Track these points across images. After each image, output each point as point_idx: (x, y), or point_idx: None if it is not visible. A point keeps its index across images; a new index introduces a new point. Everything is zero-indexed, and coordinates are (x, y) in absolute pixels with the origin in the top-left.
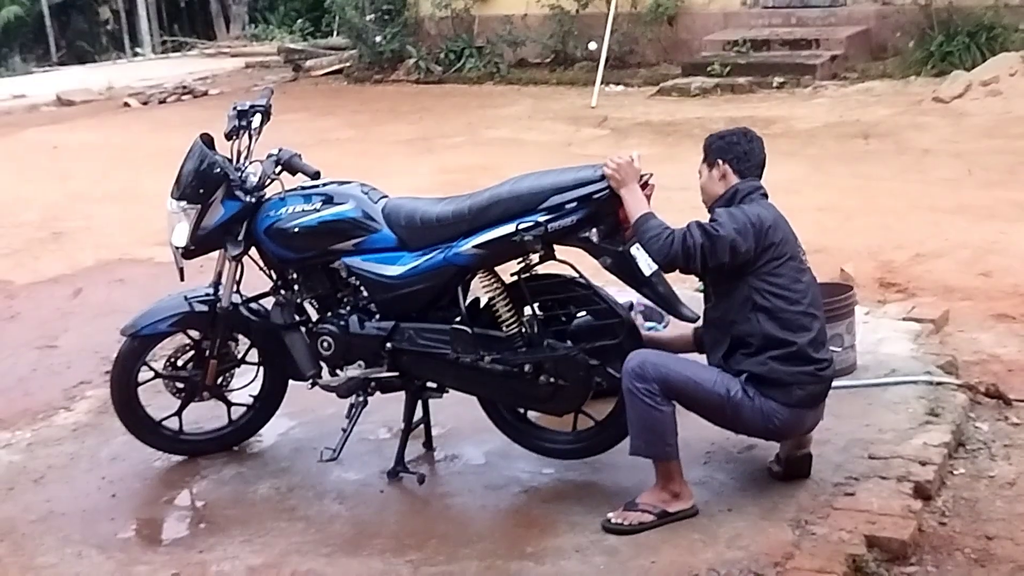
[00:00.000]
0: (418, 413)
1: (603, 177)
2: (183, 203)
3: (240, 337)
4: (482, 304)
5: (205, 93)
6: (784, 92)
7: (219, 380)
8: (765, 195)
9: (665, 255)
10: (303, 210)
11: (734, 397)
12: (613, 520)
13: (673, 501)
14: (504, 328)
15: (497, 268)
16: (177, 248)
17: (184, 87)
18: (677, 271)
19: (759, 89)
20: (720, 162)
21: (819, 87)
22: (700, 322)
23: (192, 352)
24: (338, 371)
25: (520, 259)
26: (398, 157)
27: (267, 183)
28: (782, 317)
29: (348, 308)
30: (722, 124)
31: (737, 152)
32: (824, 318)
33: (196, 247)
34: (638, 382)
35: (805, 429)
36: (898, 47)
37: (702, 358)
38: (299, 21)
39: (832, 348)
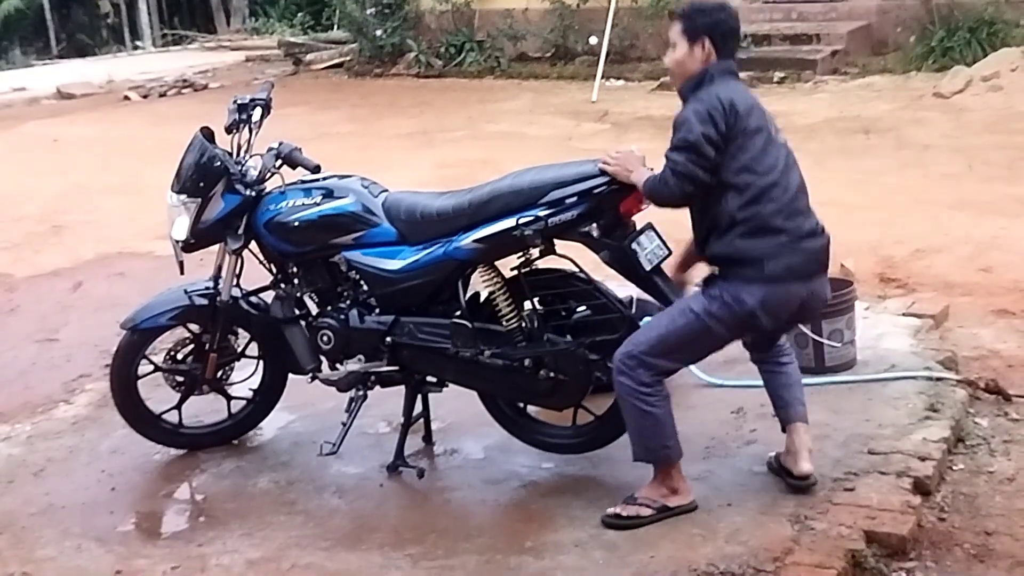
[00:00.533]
0: (418, 407)
1: (603, 172)
2: (183, 197)
3: (240, 331)
4: (482, 298)
5: (205, 87)
6: (785, 87)
7: (219, 374)
8: (735, 74)
9: (674, 197)
10: (303, 204)
11: (705, 310)
12: (612, 514)
13: (672, 496)
14: (504, 323)
15: (497, 262)
16: (177, 242)
17: (184, 80)
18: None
19: (760, 84)
20: (706, 39)
21: (820, 82)
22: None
23: (192, 346)
24: (338, 365)
25: (520, 254)
26: (398, 151)
27: (267, 177)
28: (748, 192)
29: (348, 302)
30: None
31: (724, 29)
32: (805, 190)
33: (196, 241)
34: (624, 379)
35: (799, 306)
36: (899, 42)
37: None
38: (299, 15)
39: (831, 343)
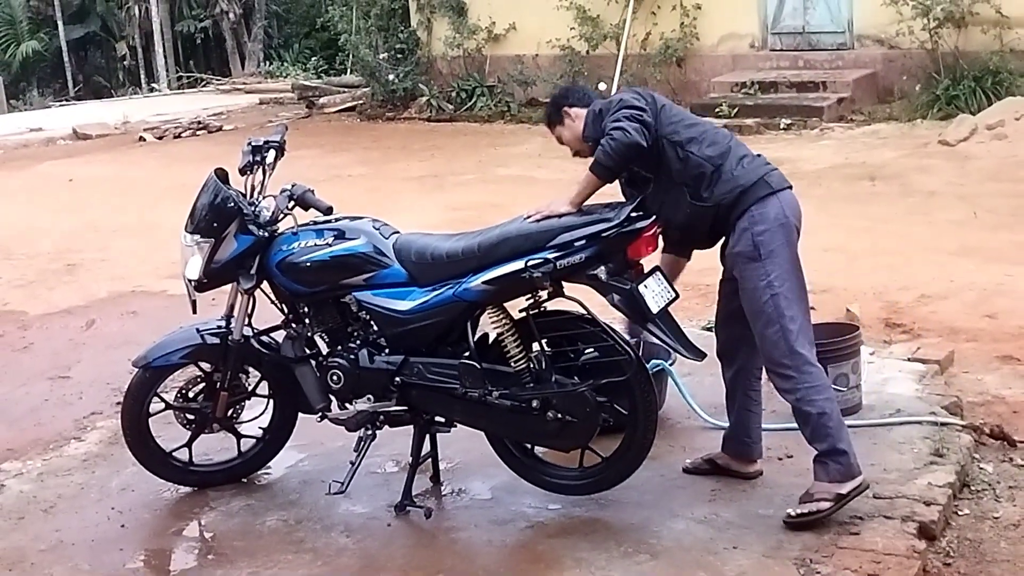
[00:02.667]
0: (426, 447)
1: (612, 216)
2: (197, 236)
3: (251, 370)
4: (491, 340)
5: (219, 129)
6: (791, 134)
7: (229, 412)
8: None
9: (614, 156)
10: (315, 245)
11: (760, 267)
12: (794, 515)
13: (844, 482)
14: (512, 364)
15: (506, 304)
16: (190, 281)
17: (199, 122)
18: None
19: (766, 130)
20: (564, 112)
21: (826, 129)
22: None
23: (203, 384)
24: (347, 404)
25: (529, 295)
26: (409, 194)
27: (280, 218)
28: (705, 136)
29: (358, 342)
30: None
31: (572, 96)
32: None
33: (209, 280)
34: (787, 385)
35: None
36: (904, 90)
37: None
38: (313, 59)
39: (837, 388)
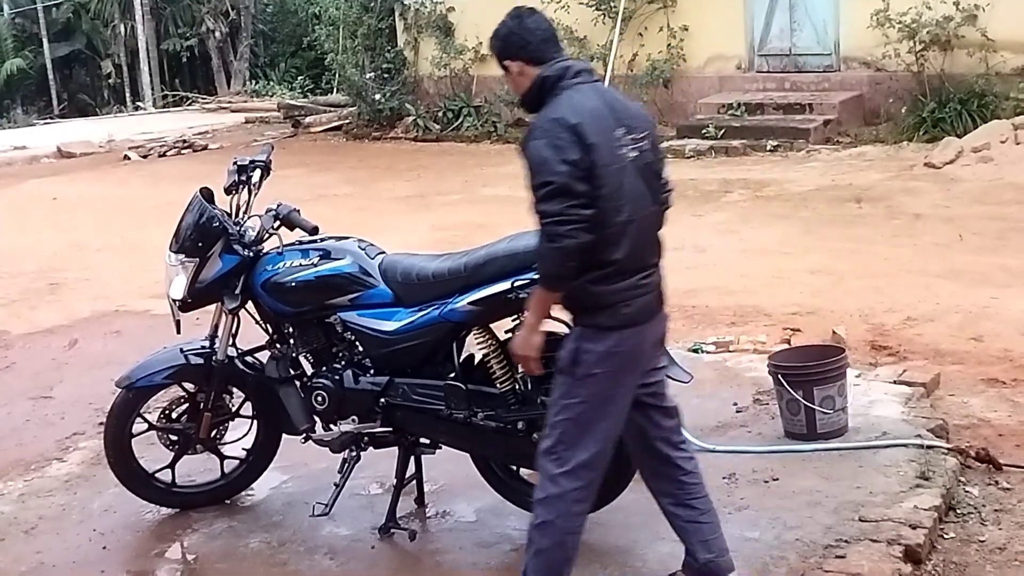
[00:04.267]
0: (411, 469)
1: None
2: (181, 256)
3: (235, 390)
4: (476, 361)
5: (205, 147)
6: (778, 155)
7: (213, 433)
8: (579, 75)
9: (560, 266)
10: (300, 265)
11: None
12: None
13: None
14: (498, 385)
15: (492, 325)
16: (174, 301)
17: (184, 141)
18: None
19: (753, 152)
20: (508, 62)
21: (812, 151)
22: None
23: (187, 404)
24: (332, 425)
25: (515, 316)
26: (395, 213)
27: (265, 237)
28: (601, 232)
29: (343, 363)
30: (716, 185)
31: (516, 42)
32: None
33: (193, 300)
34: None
35: (646, 355)
36: (891, 113)
37: None
38: (299, 78)
39: (823, 410)
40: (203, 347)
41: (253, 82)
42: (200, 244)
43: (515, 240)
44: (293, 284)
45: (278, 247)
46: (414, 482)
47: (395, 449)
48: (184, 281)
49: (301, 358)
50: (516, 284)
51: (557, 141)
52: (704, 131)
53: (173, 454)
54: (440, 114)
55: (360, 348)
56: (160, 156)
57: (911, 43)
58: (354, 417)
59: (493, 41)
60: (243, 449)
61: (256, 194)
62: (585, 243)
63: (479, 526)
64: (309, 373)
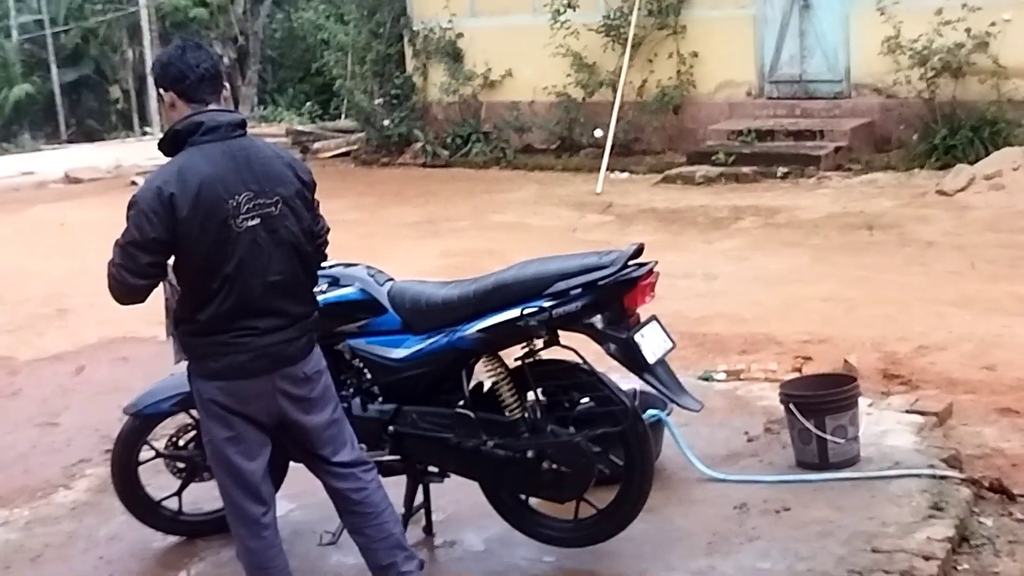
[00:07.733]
0: (419, 497)
1: (609, 264)
2: None
3: None
4: (485, 388)
5: None
6: (788, 182)
7: None
8: (212, 131)
9: (115, 292)
10: None
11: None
12: None
13: None
14: (507, 413)
15: (501, 353)
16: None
17: None
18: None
19: (763, 179)
20: (162, 91)
21: (823, 178)
22: None
23: (194, 432)
24: None
25: (524, 344)
26: (404, 240)
27: None
28: (195, 292)
29: (351, 390)
30: (726, 212)
31: (173, 73)
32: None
33: None
34: None
35: (254, 405)
36: (902, 140)
37: None
38: (308, 103)
39: (835, 439)
40: None
41: (262, 107)
42: None
43: (524, 267)
44: None
45: None
46: (422, 511)
47: (403, 477)
48: None
49: None
50: (525, 312)
51: (150, 215)
52: (714, 157)
53: (180, 482)
54: (449, 140)
55: (368, 375)
56: None
57: (922, 70)
58: (362, 445)
59: (155, 65)
60: None
61: None
62: (137, 286)
63: (488, 555)
64: None
